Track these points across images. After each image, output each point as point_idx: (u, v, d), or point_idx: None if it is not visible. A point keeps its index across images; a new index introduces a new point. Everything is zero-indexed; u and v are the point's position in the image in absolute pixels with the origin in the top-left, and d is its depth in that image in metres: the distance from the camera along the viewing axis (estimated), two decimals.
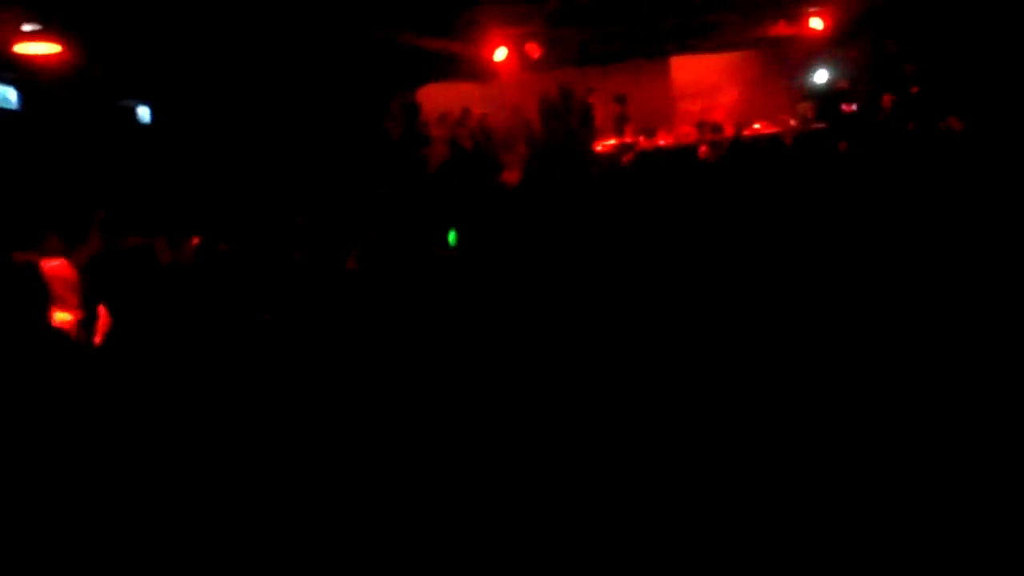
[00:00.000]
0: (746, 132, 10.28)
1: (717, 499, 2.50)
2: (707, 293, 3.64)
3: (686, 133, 10.66)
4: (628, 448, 2.74)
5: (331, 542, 2.38)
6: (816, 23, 10.21)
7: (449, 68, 10.11)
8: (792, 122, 10.54)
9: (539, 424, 2.83)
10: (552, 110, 10.45)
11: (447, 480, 2.59)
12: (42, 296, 2.34)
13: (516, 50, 9.99)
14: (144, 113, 8.79)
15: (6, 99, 7.19)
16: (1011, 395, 2.76)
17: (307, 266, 4.38)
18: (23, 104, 7.29)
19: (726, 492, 2.52)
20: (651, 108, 10.93)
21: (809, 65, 10.99)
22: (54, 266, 3.44)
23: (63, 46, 6.60)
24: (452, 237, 4.39)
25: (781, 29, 10.43)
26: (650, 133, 10.56)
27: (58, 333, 2.49)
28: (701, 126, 10.61)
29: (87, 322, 3.33)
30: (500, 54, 9.95)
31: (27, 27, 6.36)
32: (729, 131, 10.35)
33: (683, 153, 9.62)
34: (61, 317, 3.27)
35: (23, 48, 6.52)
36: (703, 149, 9.17)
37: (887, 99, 9.21)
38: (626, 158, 8.93)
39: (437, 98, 10.50)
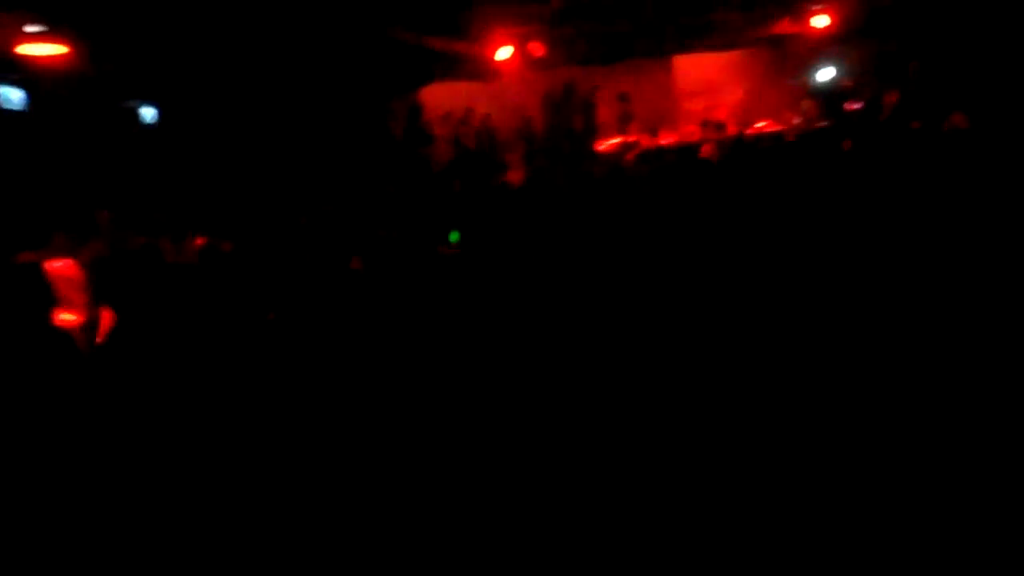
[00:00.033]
0: (749, 131, 10.25)
1: (717, 499, 2.50)
2: (710, 291, 3.65)
3: (689, 132, 10.63)
4: (632, 446, 2.74)
5: (335, 540, 2.39)
6: (819, 21, 10.19)
7: (452, 67, 10.12)
8: (795, 121, 10.50)
9: (543, 421, 2.84)
10: (555, 108, 10.45)
11: (453, 476, 2.60)
12: (44, 297, 2.35)
13: (519, 49, 9.99)
14: (147, 114, 8.82)
15: (12, 100, 7.22)
16: (1018, 393, 2.76)
17: (311, 266, 4.39)
18: (29, 105, 7.32)
19: (726, 492, 2.52)
20: (654, 107, 10.91)
21: (813, 63, 10.96)
22: (59, 266, 3.44)
23: (68, 47, 6.64)
24: (454, 237, 4.40)
25: (785, 28, 10.43)
26: (653, 132, 10.54)
27: (60, 334, 2.50)
28: (704, 125, 10.58)
29: (92, 322, 3.34)
30: (503, 53, 9.95)
31: (32, 28, 6.38)
32: (732, 130, 10.32)
33: (686, 152, 9.59)
34: (66, 317, 3.28)
35: (28, 49, 6.56)
36: (706, 148, 9.15)
37: (891, 97, 9.19)
38: (629, 157, 8.92)
39: (440, 98, 10.49)
